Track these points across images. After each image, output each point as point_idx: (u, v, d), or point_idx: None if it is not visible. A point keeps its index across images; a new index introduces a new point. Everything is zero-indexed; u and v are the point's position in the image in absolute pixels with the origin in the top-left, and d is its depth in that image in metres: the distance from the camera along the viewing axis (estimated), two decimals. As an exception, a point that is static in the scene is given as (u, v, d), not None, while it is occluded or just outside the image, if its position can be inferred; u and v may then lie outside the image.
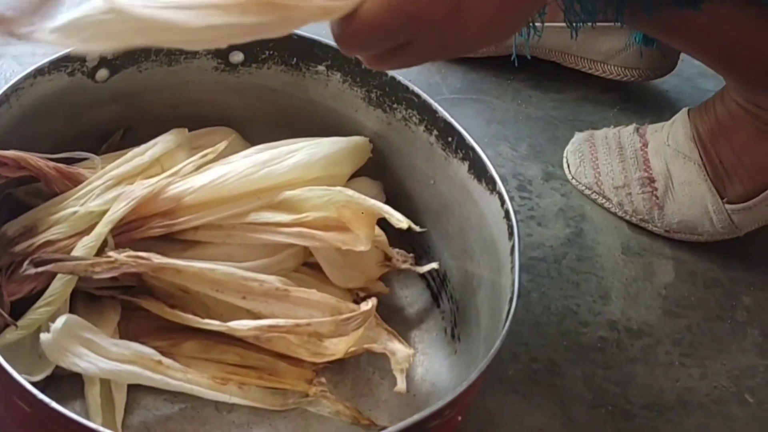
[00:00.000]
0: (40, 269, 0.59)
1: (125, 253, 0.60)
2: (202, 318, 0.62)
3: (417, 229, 0.66)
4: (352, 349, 0.64)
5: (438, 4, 0.46)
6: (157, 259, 0.61)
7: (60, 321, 0.58)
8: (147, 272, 0.61)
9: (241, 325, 0.61)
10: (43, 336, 0.57)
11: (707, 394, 0.75)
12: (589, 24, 0.76)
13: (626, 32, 0.95)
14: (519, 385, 0.73)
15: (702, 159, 0.83)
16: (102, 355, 0.58)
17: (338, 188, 0.66)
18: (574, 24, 0.76)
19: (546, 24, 0.90)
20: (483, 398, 0.70)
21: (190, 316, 0.62)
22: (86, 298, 0.64)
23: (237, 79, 0.75)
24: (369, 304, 0.63)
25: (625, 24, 0.83)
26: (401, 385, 0.64)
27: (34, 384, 0.51)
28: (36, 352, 0.60)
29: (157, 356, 0.60)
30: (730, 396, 0.76)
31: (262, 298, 0.62)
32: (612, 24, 0.94)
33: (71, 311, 0.62)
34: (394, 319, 0.71)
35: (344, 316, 0.61)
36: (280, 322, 0.61)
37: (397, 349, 0.66)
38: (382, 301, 0.68)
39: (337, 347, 0.64)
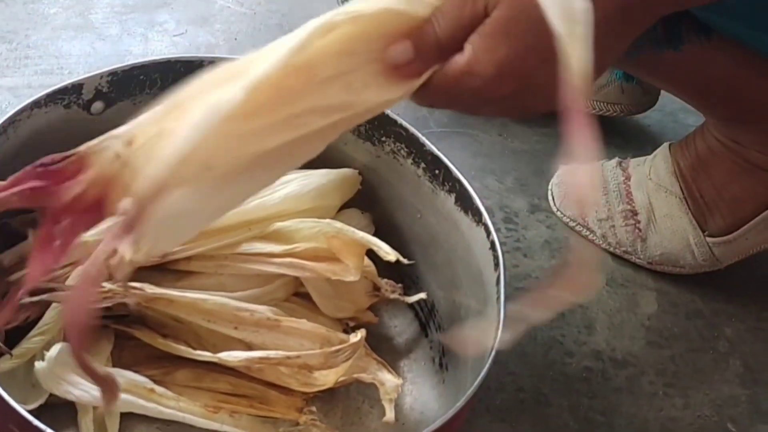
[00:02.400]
0: (34, 298, 0.60)
1: (119, 283, 0.61)
2: (195, 348, 0.63)
3: (405, 261, 0.68)
4: (342, 378, 0.65)
5: (507, 85, 0.47)
6: (150, 289, 0.62)
7: (54, 350, 0.59)
8: (140, 302, 0.62)
9: (232, 357, 0.62)
10: (38, 364, 0.58)
11: (690, 423, 0.77)
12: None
13: (608, 69, 0.97)
14: (506, 414, 0.73)
15: (683, 193, 0.84)
16: (95, 383, 0.59)
17: (328, 220, 0.67)
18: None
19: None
20: (471, 427, 0.71)
21: (182, 347, 0.63)
22: (79, 328, 0.65)
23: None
24: (358, 336, 0.64)
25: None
26: (390, 415, 0.64)
27: (28, 412, 0.51)
28: (30, 381, 0.61)
29: (150, 384, 0.61)
30: (713, 425, 0.77)
31: (254, 328, 0.63)
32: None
33: (65, 340, 0.62)
34: (383, 348, 0.72)
35: (333, 348, 0.62)
36: (271, 354, 0.62)
37: (386, 379, 0.67)
38: (371, 331, 0.69)
39: (327, 378, 0.65)
